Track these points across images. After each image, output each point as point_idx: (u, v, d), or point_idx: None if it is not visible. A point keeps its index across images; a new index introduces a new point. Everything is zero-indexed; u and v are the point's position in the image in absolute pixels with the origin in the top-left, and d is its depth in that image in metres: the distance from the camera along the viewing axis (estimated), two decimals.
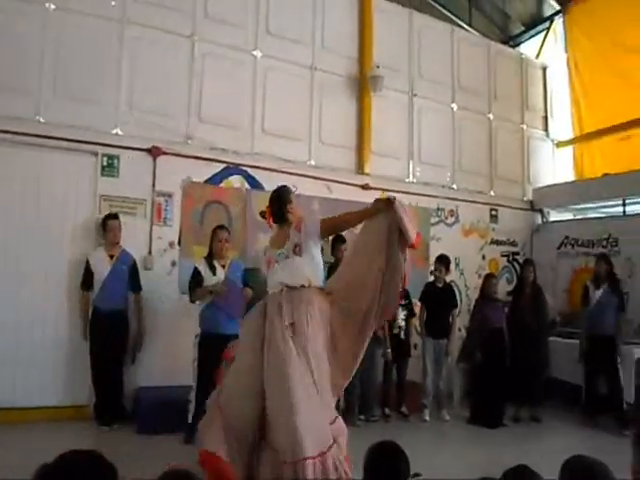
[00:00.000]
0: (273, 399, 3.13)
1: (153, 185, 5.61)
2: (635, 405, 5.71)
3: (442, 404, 6.19)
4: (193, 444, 4.49)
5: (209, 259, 4.87)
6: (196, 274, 4.81)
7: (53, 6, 5.39)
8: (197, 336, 4.74)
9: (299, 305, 3.27)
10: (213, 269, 4.81)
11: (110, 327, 4.92)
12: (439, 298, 6.28)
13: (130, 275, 5.18)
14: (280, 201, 3.54)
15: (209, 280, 4.74)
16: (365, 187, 6.84)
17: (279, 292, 3.34)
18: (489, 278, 6.46)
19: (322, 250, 3.66)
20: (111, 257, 5.12)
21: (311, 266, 3.42)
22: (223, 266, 4.88)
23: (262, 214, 3.75)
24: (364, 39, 7.19)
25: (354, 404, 5.77)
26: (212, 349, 4.46)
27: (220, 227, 5.05)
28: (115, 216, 5.20)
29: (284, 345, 3.15)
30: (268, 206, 3.60)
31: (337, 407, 5.43)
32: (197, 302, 4.82)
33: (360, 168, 6.98)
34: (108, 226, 5.13)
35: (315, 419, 3.06)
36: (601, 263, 6.27)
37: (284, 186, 3.71)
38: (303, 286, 3.34)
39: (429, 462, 4.23)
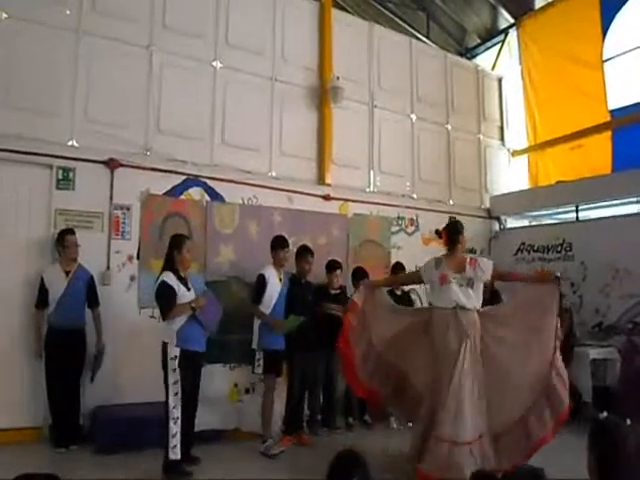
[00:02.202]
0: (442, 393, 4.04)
1: (111, 198, 5.50)
2: (592, 404, 5.92)
3: None
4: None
5: (176, 273, 4.41)
6: (168, 290, 4.31)
7: (5, 15, 5.25)
8: (176, 357, 4.24)
9: (469, 324, 4.15)
10: (185, 283, 4.43)
11: (67, 346, 4.74)
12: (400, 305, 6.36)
13: (87, 291, 5.01)
14: (455, 232, 4.46)
15: (184, 296, 4.35)
16: (326, 197, 6.89)
17: (452, 309, 4.19)
18: None
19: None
20: (67, 273, 4.93)
21: (477, 298, 4.27)
22: (186, 279, 4.54)
23: (438, 233, 4.72)
24: (324, 51, 7.25)
25: (317, 415, 5.78)
26: (192, 367, 4.38)
27: (187, 237, 4.74)
28: (72, 231, 5.01)
29: (456, 353, 4.06)
30: (445, 231, 4.58)
31: (301, 417, 5.53)
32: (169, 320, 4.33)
33: (321, 179, 7.01)
34: (67, 242, 4.91)
35: (472, 414, 3.96)
36: None
37: (458, 221, 4.70)
38: (470, 310, 4.21)
39: (393, 468, 4.30)
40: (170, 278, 4.34)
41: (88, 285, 5.05)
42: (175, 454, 4.17)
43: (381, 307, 4.75)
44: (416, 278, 4.92)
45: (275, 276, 5.26)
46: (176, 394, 4.21)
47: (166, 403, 4.21)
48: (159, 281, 4.35)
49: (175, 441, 4.17)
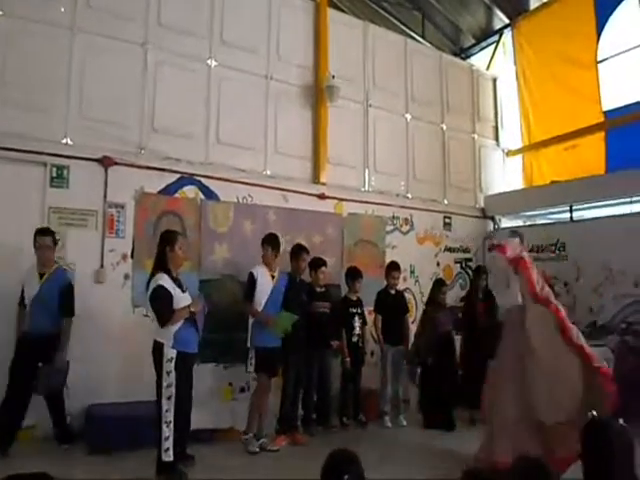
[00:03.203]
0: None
1: (105, 196, 5.47)
2: None
3: (400, 410, 6.26)
4: None
5: (169, 274, 4.26)
6: (166, 296, 4.16)
7: (0, 12, 5.22)
8: (172, 359, 4.15)
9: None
10: (180, 284, 4.31)
11: (35, 351, 4.45)
12: (394, 305, 6.40)
13: (61, 297, 4.61)
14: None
15: (180, 299, 4.23)
16: (321, 196, 6.89)
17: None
18: (439, 284, 6.60)
19: None
20: (41, 276, 4.60)
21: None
22: (179, 279, 4.40)
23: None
24: (319, 49, 7.25)
25: (311, 414, 5.78)
26: (186, 369, 4.31)
27: (179, 233, 4.61)
28: (45, 231, 4.65)
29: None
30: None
31: (295, 417, 5.53)
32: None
33: (316, 177, 7.01)
34: (37, 242, 4.58)
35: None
36: None
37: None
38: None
39: (386, 468, 4.31)
40: (166, 281, 4.20)
41: (63, 291, 4.65)
42: (168, 456, 4.11)
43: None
44: None
45: (266, 274, 5.23)
46: (169, 398, 4.13)
47: (159, 406, 4.14)
48: (155, 285, 4.18)
49: (168, 444, 4.11)
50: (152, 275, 4.30)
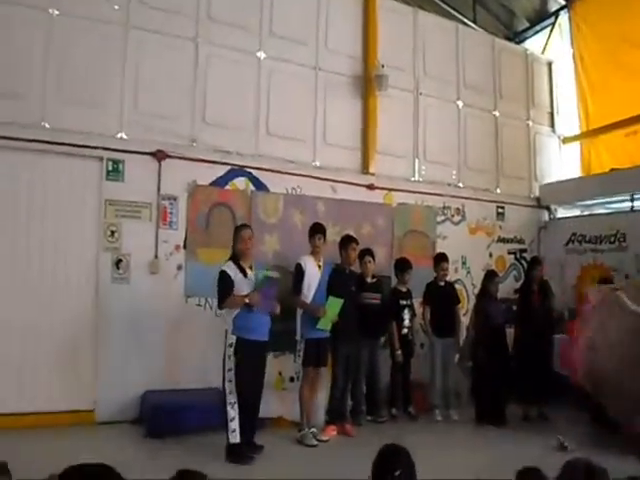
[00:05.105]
0: None
1: (158, 188, 5.62)
2: None
3: (450, 404, 6.17)
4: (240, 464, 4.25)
5: (236, 261, 4.57)
6: (226, 279, 4.47)
7: (57, 12, 5.40)
8: (232, 344, 4.40)
9: None
10: (244, 272, 4.55)
11: None
12: (443, 296, 6.29)
13: None
14: None
15: (241, 284, 4.49)
16: (370, 187, 6.84)
17: None
18: (491, 275, 6.42)
19: None
20: None
21: None
22: (250, 267, 4.66)
23: None
24: (368, 38, 7.16)
25: (360, 405, 5.77)
26: (250, 355, 4.44)
27: (244, 226, 4.88)
28: None
29: None
30: None
31: (344, 408, 5.52)
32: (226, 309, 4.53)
33: (365, 168, 6.96)
34: None
35: None
36: None
37: None
38: None
39: (438, 463, 4.25)
40: (229, 267, 4.52)
41: None
42: (234, 438, 4.32)
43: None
44: None
45: (313, 264, 5.21)
46: (230, 381, 4.37)
47: (223, 389, 4.39)
48: (219, 270, 4.53)
49: (234, 425, 4.33)
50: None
